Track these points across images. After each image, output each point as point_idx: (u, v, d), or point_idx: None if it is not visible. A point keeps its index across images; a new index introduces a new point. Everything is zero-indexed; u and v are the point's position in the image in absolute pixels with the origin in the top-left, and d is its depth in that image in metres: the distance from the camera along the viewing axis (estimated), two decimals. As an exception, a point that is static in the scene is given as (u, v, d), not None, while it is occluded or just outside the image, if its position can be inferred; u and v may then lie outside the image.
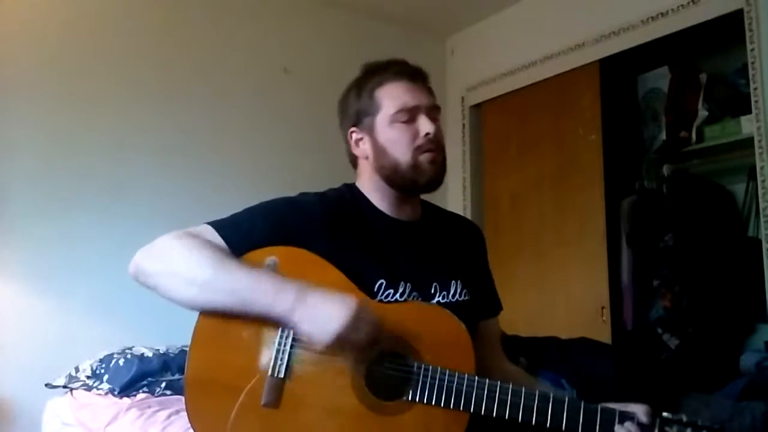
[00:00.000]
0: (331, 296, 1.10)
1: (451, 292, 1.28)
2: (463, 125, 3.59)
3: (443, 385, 1.12)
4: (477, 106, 3.61)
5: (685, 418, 1.07)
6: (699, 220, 2.84)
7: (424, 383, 1.13)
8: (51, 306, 2.46)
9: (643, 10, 2.76)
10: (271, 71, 3.14)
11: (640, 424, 1.07)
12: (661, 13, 2.70)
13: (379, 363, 1.15)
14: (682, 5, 2.64)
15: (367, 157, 1.32)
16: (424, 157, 1.26)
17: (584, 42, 3.00)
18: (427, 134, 1.26)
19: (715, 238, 2.83)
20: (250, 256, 1.18)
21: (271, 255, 1.18)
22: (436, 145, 1.28)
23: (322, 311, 1.08)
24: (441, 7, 3.42)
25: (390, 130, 1.27)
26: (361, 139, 1.32)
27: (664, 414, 1.08)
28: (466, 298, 1.29)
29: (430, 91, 1.32)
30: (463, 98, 3.63)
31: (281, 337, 1.14)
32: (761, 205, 2.44)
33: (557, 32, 3.13)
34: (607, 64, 2.96)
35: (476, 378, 1.13)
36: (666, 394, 2.19)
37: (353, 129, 1.32)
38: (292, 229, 1.22)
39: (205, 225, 1.22)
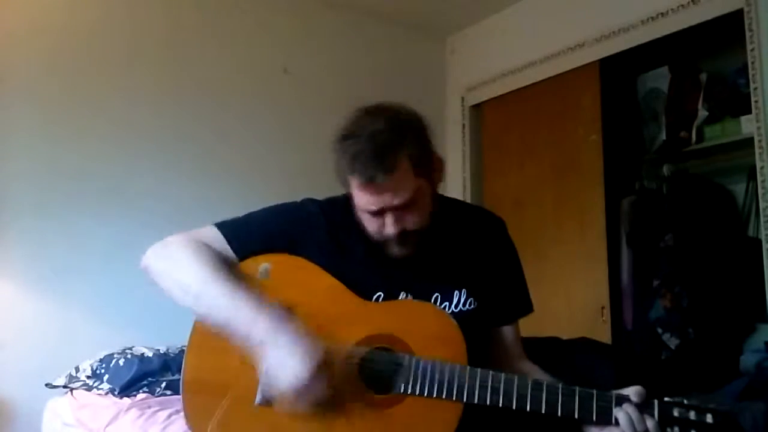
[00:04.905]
0: (299, 344, 1.07)
1: (454, 302, 1.26)
2: (463, 125, 3.59)
3: (434, 376, 1.12)
4: (477, 106, 3.61)
5: (686, 401, 1.07)
6: (699, 220, 2.84)
7: (415, 375, 1.13)
8: (51, 306, 2.46)
9: (643, 10, 2.76)
10: (271, 71, 3.14)
11: (636, 405, 1.07)
12: (661, 13, 2.70)
13: (369, 358, 1.15)
14: (682, 5, 2.64)
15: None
16: (392, 245, 1.21)
17: (584, 42, 3.00)
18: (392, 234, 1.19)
19: (715, 238, 2.83)
20: (246, 264, 1.21)
21: (264, 262, 1.21)
22: (405, 236, 1.19)
23: (286, 358, 1.06)
24: (441, 7, 3.41)
25: (360, 213, 1.21)
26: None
27: (666, 399, 1.08)
28: (472, 307, 1.27)
29: (399, 183, 1.14)
30: (463, 98, 3.63)
31: None
32: (761, 205, 2.44)
33: (557, 32, 3.13)
34: (607, 64, 2.96)
35: (468, 368, 1.13)
36: (666, 394, 2.19)
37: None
38: (293, 237, 1.24)
39: (212, 228, 1.24)
